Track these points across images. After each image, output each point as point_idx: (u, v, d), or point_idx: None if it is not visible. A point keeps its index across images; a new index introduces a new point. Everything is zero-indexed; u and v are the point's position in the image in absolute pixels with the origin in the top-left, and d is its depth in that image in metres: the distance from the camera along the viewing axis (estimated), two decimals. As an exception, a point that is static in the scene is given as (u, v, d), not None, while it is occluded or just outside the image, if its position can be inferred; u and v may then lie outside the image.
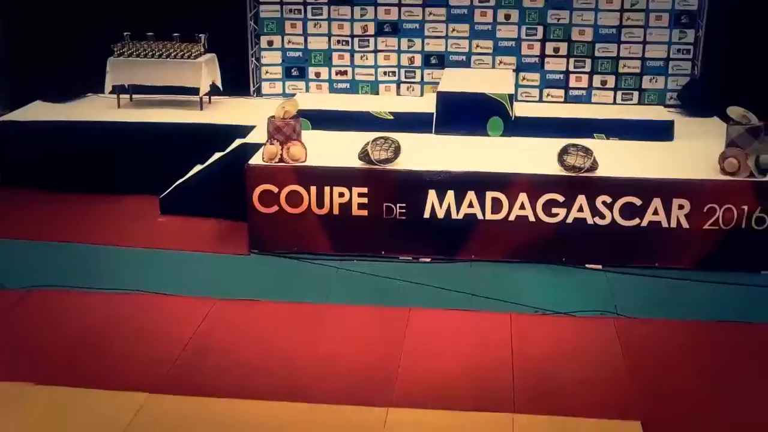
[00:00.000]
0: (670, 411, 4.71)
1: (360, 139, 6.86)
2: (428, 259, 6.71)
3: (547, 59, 8.81)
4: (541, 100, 8.90)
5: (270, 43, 9.04)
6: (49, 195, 8.04)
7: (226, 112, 8.60)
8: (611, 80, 8.79)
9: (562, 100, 8.87)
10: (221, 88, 8.85)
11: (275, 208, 6.75)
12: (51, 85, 8.98)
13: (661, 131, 7.57)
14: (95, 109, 8.67)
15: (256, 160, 6.80)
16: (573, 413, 4.66)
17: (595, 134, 7.48)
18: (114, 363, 5.18)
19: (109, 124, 8.24)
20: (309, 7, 8.94)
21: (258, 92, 9.15)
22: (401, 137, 6.80)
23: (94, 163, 8.14)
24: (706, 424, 4.61)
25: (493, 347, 5.39)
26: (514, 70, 8.79)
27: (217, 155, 7.71)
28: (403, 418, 4.64)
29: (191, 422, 4.61)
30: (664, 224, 6.48)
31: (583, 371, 5.11)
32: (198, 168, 7.76)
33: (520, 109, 7.90)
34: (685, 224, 6.46)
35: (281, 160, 6.73)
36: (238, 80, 9.04)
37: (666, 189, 6.45)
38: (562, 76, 8.82)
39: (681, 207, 6.44)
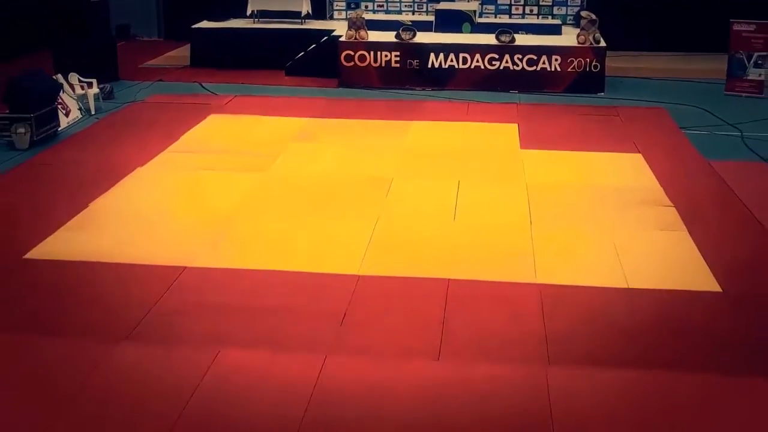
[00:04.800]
0: (536, 123, 11.15)
1: (394, 32, 13.34)
2: (430, 89, 13.17)
3: (498, -4, 15.36)
4: (495, 21, 15.39)
5: (339, -13, 15.59)
6: (219, 70, 14.48)
7: (315, 25, 15.05)
8: (536, 9, 15.27)
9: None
10: (311, 13, 15.26)
11: (352, 63, 13.23)
12: (209, 14, 15.44)
13: (554, 30, 14.10)
14: (240, 24, 15.15)
15: (342, 38, 13.29)
16: (492, 119, 11.16)
17: (520, 31, 13.90)
18: (284, 111, 11.64)
19: (253, 29, 14.77)
20: (361, -33, 15.51)
21: (331, 17, 15.66)
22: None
23: (243, 52, 14.59)
24: (559, 132, 11.06)
25: (457, 109, 11.88)
26: (479, 3, 15.27)
27: (313, 45, 14.16)
28: (421, 125, 11.06)
29: (323, 130, 11.08)
30: (549, 69, 12.94)
31: (497, 113, 11.61)
32: (303, 53, 14.24)
33: (481, 20, 14.40)
34: (558, 69, 12.92)
35: (355, 38, 13.21)
36: (319, 9, 15.51)
37: (549, 50, 12.91)
38: (507, 6, 15.30)
39: (556, 59, 12.89)
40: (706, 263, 6.78)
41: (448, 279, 6.46)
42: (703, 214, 7.92)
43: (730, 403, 5.00)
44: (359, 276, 6.53)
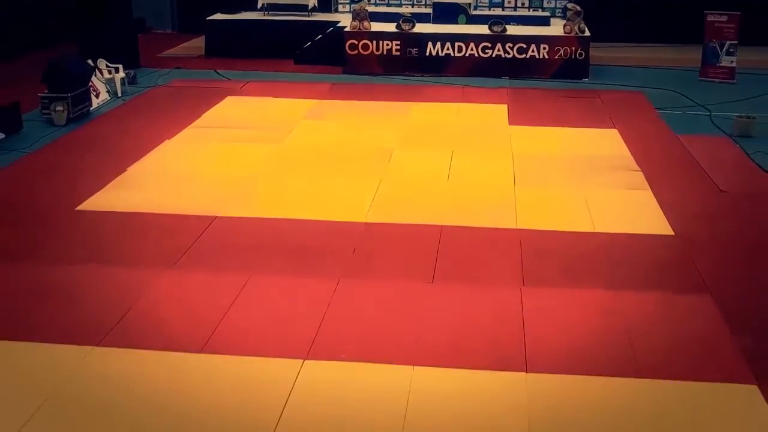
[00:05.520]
0: (524, 104, 12.25)
1: (394, 23, 14.45)
2: (428, 75, 14.27)
3: (492, -9, 16.46)
4: (489, 14, 16.49)
5: (343, -17, 16.72)
6: (232, 59, 15.58)
7: (321, 17, 16.16)
8: (527, 2, 16.37)
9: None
10: (317, 6, 16.36)
11: (356, 51, 14.35)
12: (223, 7, 16.56)
13: (542, 21, 15.22)
14: (251, 16, 16.25)
15: (347, 28, 14.40)
16: (484, 101, 12.26)
17: (511, 22, 15.01)
18: (294, 93, 12.74)
19: (263, 21, 15.88)
20: (364, -36, 16.60)
21: (336, 9, 16.78)
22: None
23: (254, 42, 15.70)
24: (544, 111, 12.15)
25: (453, 93, 12.98)
26: (474, -3, 16.42)
27: (320, 35, 15.28)
28: (420, 106, 12.16)
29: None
30: (537, 56, 14.05)
31: (489, 96, 12.71)
32: (310, 43, 15.35)
33: (475, 12, 15.52)
34: (546, 56, 14.03)
35: (359, 28, 14.32)
36: (325, 2, 16.61)
37: (538, 40, 14.03)
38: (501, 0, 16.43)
39: (544, 48, 14.01)
40: (664, 214, 7.88)
41: (441, 225, 7.57)
42: (666, 177, 9.03)
43: (673, 315, 6.10)
44: (366, 223, 7.65)
